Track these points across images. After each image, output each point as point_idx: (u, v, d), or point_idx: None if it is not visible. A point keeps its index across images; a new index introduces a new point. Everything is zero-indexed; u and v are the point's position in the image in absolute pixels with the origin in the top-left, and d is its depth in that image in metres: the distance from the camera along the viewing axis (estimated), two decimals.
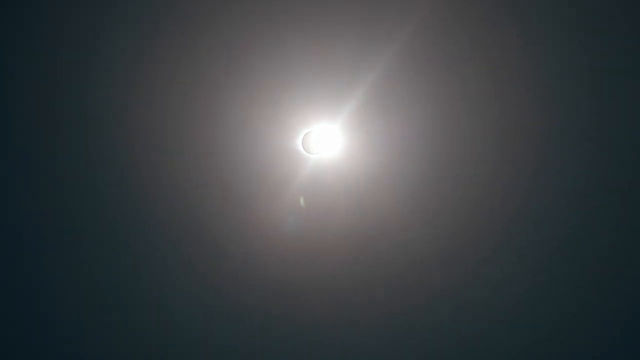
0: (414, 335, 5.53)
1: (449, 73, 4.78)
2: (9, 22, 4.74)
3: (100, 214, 5.22)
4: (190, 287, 5.45)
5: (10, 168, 5.07)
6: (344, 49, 4.72)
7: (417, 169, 5.01)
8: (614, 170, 4.98)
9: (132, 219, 5.23)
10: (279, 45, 4.77)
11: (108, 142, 5.02)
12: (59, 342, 5.52)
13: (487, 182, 5.03)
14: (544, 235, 5.22)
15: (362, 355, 5.59)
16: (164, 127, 4.97)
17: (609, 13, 4.65)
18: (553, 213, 5.16)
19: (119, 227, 5.25)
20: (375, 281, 5.41)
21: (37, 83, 4.89)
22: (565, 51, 4.72)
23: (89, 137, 5.02)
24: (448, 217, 5.15)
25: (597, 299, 5.30)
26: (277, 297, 5.46)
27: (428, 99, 4.85)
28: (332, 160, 5.05)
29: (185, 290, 5.46)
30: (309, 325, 5.52)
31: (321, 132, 4.98)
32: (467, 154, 4.96)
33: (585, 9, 4.64)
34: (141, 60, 4.79)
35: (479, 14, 4.67)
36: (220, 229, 5.26)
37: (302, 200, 5.14)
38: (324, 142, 5.00)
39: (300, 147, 5.01)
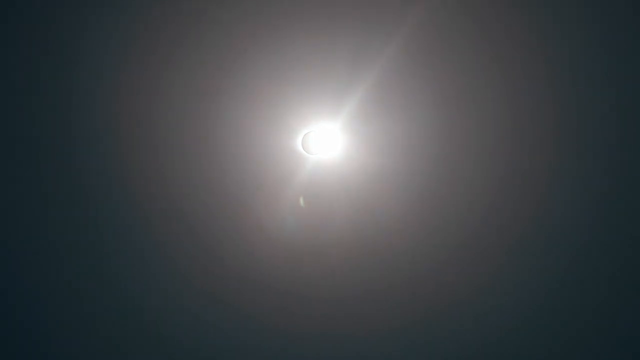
0: (414, 335, 5.52)
1: (450, 73, 4.77)
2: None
3: (99, 214, 5.22)
4: (190, 287, 5.46)
5: None
6: (344, 48, 4.71)
7: (417, 169, 5.00)
8: (626, 173, 4.95)
9: (131, 220, 5.23)
10: (279, 45, 4.76)
11: (108, 143, 5.02)
12: (56, 345, 5.53)
13: (488, 182, 5.02)
14: (545, 236, 5.20)
15: (362, 355, 5.59)
16: (163, 127, 4.97)
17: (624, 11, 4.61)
18: (554, 212, 5.15)
19: (119, 228, 5.26)
20: (375, 281, 5.41)
21: (29, 82, 4.89)
22: (572, 50, 4.69)
23: (88, 136, 5.02)
24: (448, 218, 5.14)
25: (610, 303, 5.27)
26: (276, 297, 5.46)
27: (428, 99, 4.84)
28: (332, 161, 5.05)
29: (185, 290, 5.47)
30: (308, 325, 5.52)
31: (321, 132, 4.98)
32: (468, 154, 4.95)
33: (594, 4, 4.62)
34: (140, 61, 4.79)
35: (479, 13, 4.66)
36: (220, 229, 5.26)
37: (302, 201, 5.14)
38: (324, 143, 4.99)
39: (300, 148, 5.01)
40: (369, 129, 4.93)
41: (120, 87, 4.86)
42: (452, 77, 4.78)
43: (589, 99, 4.78)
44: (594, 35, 4.66)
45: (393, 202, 5.10)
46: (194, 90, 4.88)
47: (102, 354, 5.59)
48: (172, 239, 5.29)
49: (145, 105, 4.92)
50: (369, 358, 5.58)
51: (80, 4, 4.69)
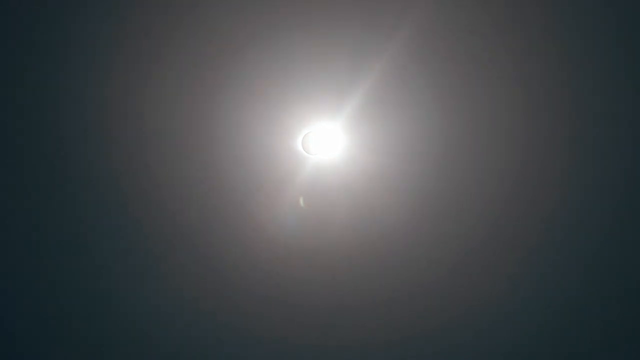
0: (414, 336, 5.52)
1: (451, 73, 4.76)
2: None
3: (97, 215, 5.20)
4: (189, 287, 5.44)
5: None
6: (344, 48, 4.69)
7: (418, 169, 5.00)
8: (627, 173, 4.94)
9: (131, 220, 5.21)
10: (279, 45, 4.74)
11: (107, 142, 5.00)
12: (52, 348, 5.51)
13: (489, 182, 5.02)
14: (545, 236, 5.21)
15: (362, 355, 5.59)
16: (162, 128, 4.95)
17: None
18: (554, 212, 5.15)
19: (118, 228, 5.24)
20: (375, 282, 5.40)
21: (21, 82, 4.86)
22: (576, 50, 4.68)
23: (87, 136, 5.00)
24: (449, 218, 5.14)
25: (621, 303, 5.27)
26: (276, 297, 5.45)
27: (430, 99, 4.83)
28: (332, 161, 5.04)
29: (185, 290, 5.45)
30: (308, 325, 5.52)
31: (321, 132, 4.97)
32: (469, 154, 4.94)
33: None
34: (137, 61, 4.76)
35: (480, 12, 4.65)
36: (219, 230, 5.25)
37: (302, 201, 5.13)
38: (324, 143, 4.98)
39: (300, 148, 5.00)
40: (370, 129, 4.92)
41: (119, 87, 4.83)
42: (454, 77, 4.77)
43: (599, 99, 4.77)
44: (595, 35, 4.66)
45: (394, 203, 5.09)
46: (194, 90, 4.86)
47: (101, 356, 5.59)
48: (171, 240, 5.28)
49: (144, 106, 4.90)
50: (369, 355, 5.59)
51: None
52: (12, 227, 5.22)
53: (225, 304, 5.47)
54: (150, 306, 5.48)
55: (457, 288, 5.35)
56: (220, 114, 4.91)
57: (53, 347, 5.57)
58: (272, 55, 4.77)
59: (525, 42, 4.71)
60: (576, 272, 5.27)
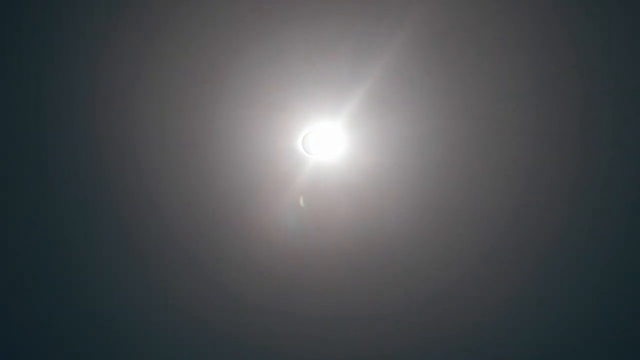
0: (414, 336, 5.52)
1: (452, 73, 4.76)
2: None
3: (97, 215, 5.20)
4: (189, 287, 5.44)
5: None
6: (344, 48, 4.69)
7: (419, 169, 4.99)
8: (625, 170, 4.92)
9: (129, 221, 5.21)
10: (279, 45, 4.74)
11: (107, 143, 5.00)
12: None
13: (490, 182, 5.02)
14: (545, 236, 5.20)
15: (361, 355, 5.59)
16: (162, 128, 4.95)
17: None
18: (555, 212, 5.15)
19: (117, 229, 5.24)
20: (375, 281, 5.40)
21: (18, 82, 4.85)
22: (578, 50, 4.67)
23: (87, 137, 5.00)
24: (450, 218, 5.14)
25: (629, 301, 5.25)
26: (276, 297, 5.45)
27: (430, 99, 4.83)
28: (333, 161, 5.04)
29: (184, 291, 5.45)
30: (308, 325, 5.51)
31: (321, 132, 4.97)
32: (470, 154, 4.94)
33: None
34: (137, 61, 4.76)
35: (481, 12, 4.65)
36: (219, 230, 5.25)
37: (302, 201, 5.13)
38: (325, 143, 4.98)
39: (301, 148, 5.00)
40: (370, 129, 4.92)
41: (119, 88, 4.83)
42: (455, 77, 4.77)
43: (600, 99, 4.76)
44: (596, 35, 4.66)
45: (394, 203, 5.09)
46: (194, 90, 4.85)
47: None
48: (171, 240, 5.28)
49: (144, 106, 4.89)
50: (369, 356, 5.58)
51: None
52: (11, 227, 5.22)
53: (226, 304, 5.47)
54: (151, 307, 5.48)
55: (458, 287, 5.35)
56: (220, 114, 4.91)
57: (53, 347, 5.57)
58: (272, 56, 4.77)
59: (526, 42, 4.71)
60: (584, 274, 5.26)
